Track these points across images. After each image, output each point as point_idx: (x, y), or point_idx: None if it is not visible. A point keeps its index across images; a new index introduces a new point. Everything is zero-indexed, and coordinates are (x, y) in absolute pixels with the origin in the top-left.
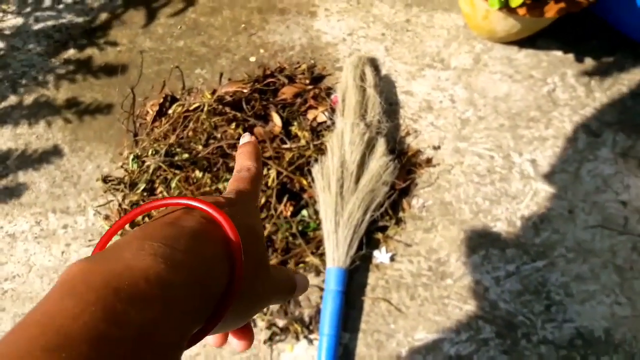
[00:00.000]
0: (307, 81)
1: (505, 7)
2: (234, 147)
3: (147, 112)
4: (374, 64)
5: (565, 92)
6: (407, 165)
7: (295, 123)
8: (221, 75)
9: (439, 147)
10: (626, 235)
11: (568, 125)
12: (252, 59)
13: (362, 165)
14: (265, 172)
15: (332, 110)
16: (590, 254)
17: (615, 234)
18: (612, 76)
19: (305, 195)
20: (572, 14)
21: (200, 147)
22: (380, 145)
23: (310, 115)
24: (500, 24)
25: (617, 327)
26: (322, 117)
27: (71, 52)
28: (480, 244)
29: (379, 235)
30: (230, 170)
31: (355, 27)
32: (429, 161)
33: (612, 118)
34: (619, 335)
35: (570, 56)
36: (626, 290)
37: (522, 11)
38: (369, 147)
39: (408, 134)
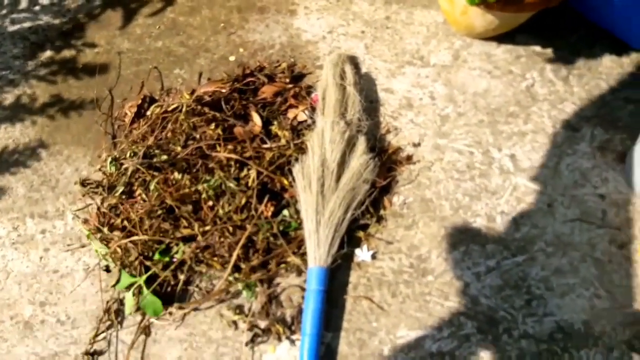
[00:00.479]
0: (287, 80)
1: (482, 2)
2: (213, 147)
3: (126, 113)
4: (354, 61)
5: (544, 87)
6: (387, 162)
7: (276, 122)
8: (200, 75)
9: (419, 144)
10: (604, 229)
11: (547, 120)
12: (232, 58)
13: (342, 163)
14: (245, 172)
15: (313, 109)
16: (570, 248)
17: (594, 227)
18: (591, 71)
19: (286, 195)
20: (550, 8)
21: (179, 149)
22: (361, 144)
23: (291, 114)
24: (479, 20)
25: (596, 320)
26: (302, 116)
27: (48, 54)
28: (461, 240)
29: (360, 234)
30: (209, 171)
31: (335, 24)
32: (409, 158)
33: (591, 112)
34: (599, 327)
35: (549, 51)
36: (605, 283)
37: (498, 7)
38: (350, 145)
39: (388, 131)
